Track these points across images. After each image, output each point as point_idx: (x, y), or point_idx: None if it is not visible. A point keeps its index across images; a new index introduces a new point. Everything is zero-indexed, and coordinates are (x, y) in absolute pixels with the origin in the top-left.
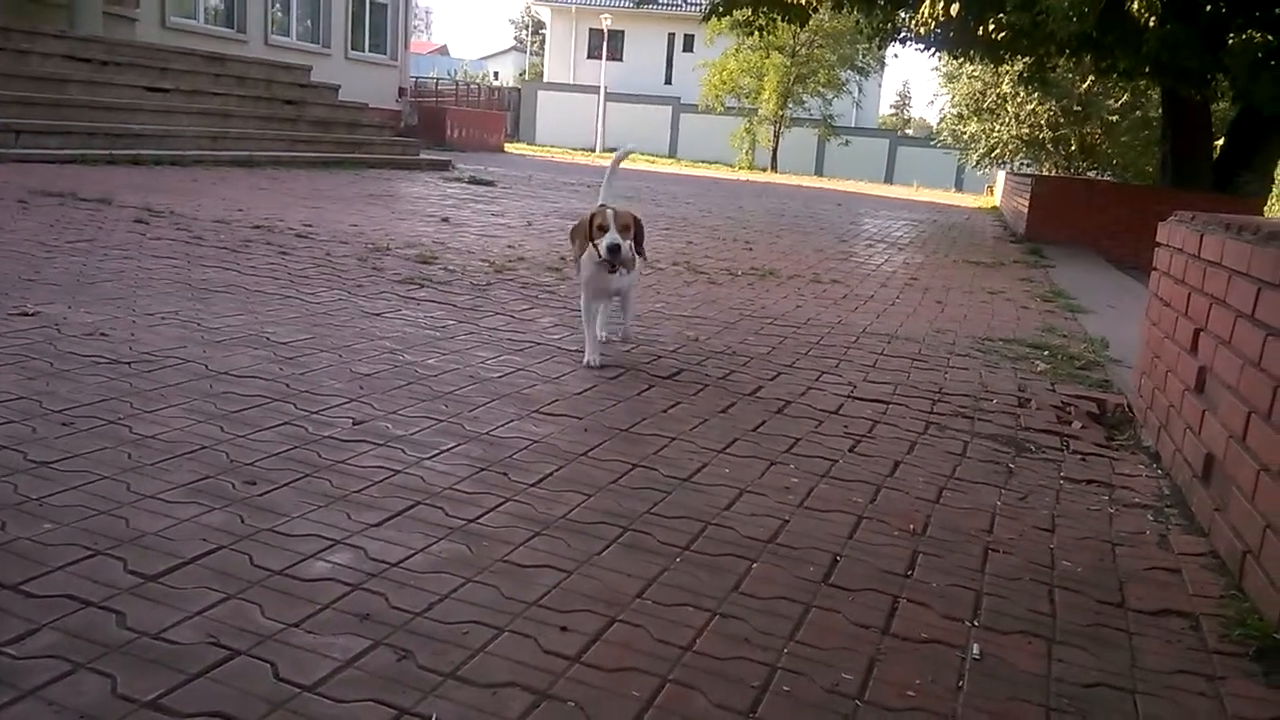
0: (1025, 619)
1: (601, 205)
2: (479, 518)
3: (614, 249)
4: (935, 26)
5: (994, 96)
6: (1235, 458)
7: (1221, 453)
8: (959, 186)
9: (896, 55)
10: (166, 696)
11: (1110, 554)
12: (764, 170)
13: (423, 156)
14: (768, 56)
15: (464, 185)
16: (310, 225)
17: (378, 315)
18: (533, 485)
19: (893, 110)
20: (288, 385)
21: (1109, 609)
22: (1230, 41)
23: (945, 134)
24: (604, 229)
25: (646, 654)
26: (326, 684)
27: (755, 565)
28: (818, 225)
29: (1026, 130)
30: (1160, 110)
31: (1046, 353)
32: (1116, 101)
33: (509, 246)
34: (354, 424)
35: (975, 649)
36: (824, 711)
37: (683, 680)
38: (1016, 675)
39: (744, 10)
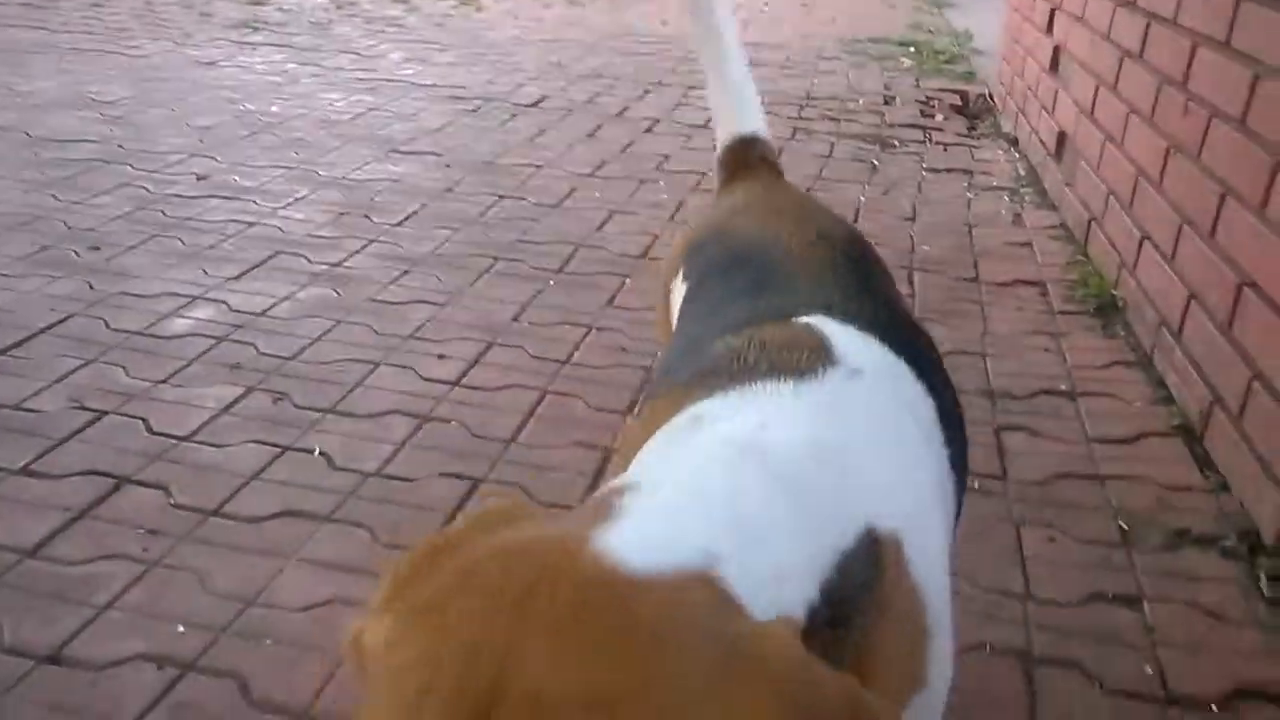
0: None
1: None
2: (343, 261)
3: None
4: None
5: None
6: (1085, 132)
7: (1072, 129)
8: None
9: None
10: (36, 462)
11: (967, 235)
12: None
13: None
14: None
15: None
16: None
17: (211, 64)
18: (397, 225)
19: None
20: (121, 146)
21: (964, 284)
22: None
23: None
24: None
25: (526, 370)
26: (203, 431)
27: (628, 280)
28: None
29: None
30: None
31: (912, 49)
32: None
33: None
34: (199, 179)
35: None
36: None
37: (562, 390)
38: None
39: None
